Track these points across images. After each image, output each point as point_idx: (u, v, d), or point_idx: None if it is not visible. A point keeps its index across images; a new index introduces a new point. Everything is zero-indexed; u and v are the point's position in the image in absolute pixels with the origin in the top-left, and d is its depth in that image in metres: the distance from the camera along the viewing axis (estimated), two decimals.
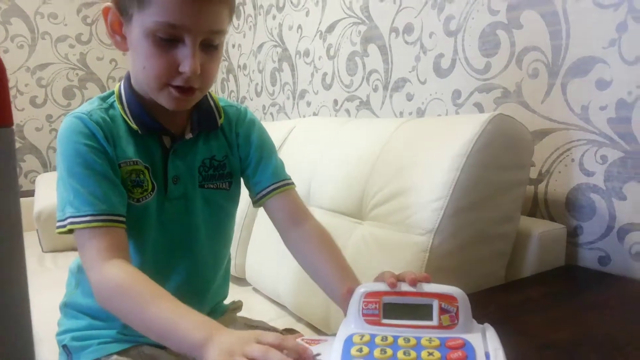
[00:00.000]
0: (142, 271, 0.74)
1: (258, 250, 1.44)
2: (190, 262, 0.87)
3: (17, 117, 2.66)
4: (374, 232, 1.06)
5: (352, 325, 0.60)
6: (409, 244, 0.96)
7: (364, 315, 0.60)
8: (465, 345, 0.55)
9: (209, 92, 0.88)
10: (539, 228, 1.06)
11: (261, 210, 1.45)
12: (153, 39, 0.72)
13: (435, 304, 0.58)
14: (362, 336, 0.58)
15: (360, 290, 0.61)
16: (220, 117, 0.88)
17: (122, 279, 0.69)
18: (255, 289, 1.45)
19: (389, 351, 0.55)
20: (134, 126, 0.79)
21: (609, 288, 0.96)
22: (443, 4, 1.35)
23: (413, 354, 0.54)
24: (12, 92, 2.63)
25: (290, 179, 0.92)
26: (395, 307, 0.59)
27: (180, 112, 0.83)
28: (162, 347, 0.86)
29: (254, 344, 0.56)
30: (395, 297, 0.60)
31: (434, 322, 0.58)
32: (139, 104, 0.81)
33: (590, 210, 1.08)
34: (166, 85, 0.75)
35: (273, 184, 0.89)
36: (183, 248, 0.86)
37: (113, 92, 0.84)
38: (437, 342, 0.55)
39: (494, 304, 0.88)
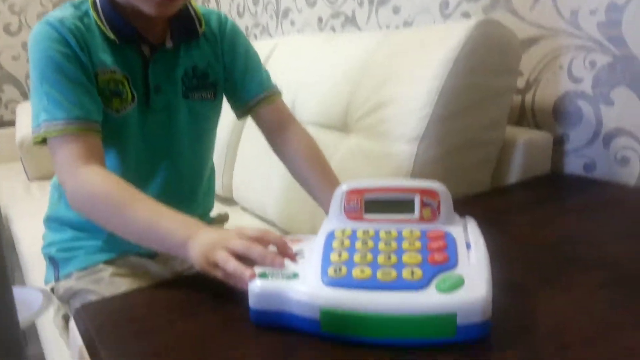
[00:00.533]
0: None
1: (245, 168, 1.43)
2: (172, 171, 0.86)
3: None
4: (360, 144, 1.05)
5: (334, 221, 0.60)
6: (395, 153, 0.95)
7: (345, 212, 0.60)
8: (446, 236, 0.55)
9: (190, 0, 0.84)
10: (524, 136, 1.06)
11: (247, 128, 1.44)
12: None
13: (417, 198, 0.58)
14: (344, 231, 0.58)
15: (342, 187, 0.60)
16: (201, 26, 0.85)
17: (98, 183, 0.68)
18: (243, 208, 1.46)
19: (371, 243, 0.55)
20: (111, 35, 0.76)
21: (592, 193, 0.96)
22: None
23: (394, 244, 0.55)
24: None
25: (276, 87, 0.91)
26: (377, 203, 0.59)
27: (159, 20, 0.79)
28: (148, 256, 0.86)
29: (235, 238, 0.56)
30: (377, 194, 0.59)
31: (416, 215, 0.58)
32: (114, 10, 0.77)
33: (577, 118, 1.08)
34: None
35: (261, 93, 0.89)
36: (165, 158, 0.85)
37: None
38: (418, 233, 0.56)
39: (479, 208, 0.88)
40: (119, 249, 0.84)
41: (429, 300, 0.48)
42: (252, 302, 0.52)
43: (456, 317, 0.47)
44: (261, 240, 0.56)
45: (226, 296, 0.57)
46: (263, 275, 0.53)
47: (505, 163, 1.05)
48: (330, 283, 0.51)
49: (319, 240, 0.57)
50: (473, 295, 0.47)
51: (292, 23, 1.88)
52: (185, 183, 0.89)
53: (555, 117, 1.11)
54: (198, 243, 0.58)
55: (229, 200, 1.49)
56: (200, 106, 0.86)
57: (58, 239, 0.87)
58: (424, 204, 0.57)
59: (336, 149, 1.10)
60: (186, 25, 0.83)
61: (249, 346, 0.51)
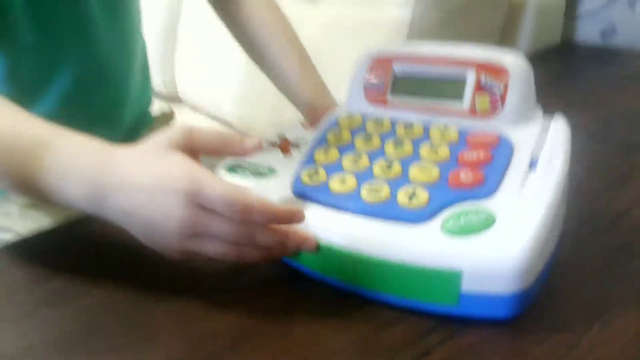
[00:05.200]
0: (22, 89, 0.54)
1: (190, 56, 1.20)
2: (86, 61, 0.62)
3: None
4: (335, 14, 0.85)
5: (350, 104, 0.43)
6: (384, 22, 0.78)
7: (365, 91, 0.42)
8: (498, 144, 0.35)
9: None
10: None
11: (184, 9, 1.18)
12: None
13: (471, 77, 0.38)
14: (352, 118, 0.41)
15: (367, 53, 0.42)
16: None
17: None
18: (191, 107, 1.24)
19: (377, 140, 0.38)
20: None
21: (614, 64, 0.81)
22: None
23: (408, 147, 0.36)
24: None
25: None
26: (410, 81, 0.40)
27: None
28: None
29: (216, 221, 0.33)
30: (411, 66, 0.40)
31: (464, 105, 0.38)
32: None
33: None
34: None
35: None
36: (72, 45, 0.60)
37: None
38: (453, 134, 0.37)
39: None
40: None
41: (421, 242, 0.31)
42: None
43: (460, 277, 0.29)
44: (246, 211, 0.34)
45: None
46: (232, 170, 0.40)
47: (511, 29, 0.88)
48: (298, 192, 0.36)
49: (318, 129, 0.41)
50: (498, 248, 0.29)
51: None
52: (108, 75, 0.66)
53: None
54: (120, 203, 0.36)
55: (174, 98, 1.27)
56: None
57: None
58: (480, 87, 0.37)
59: (302, 24, 0.88)
60: None
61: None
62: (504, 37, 0.88)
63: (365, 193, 0.33)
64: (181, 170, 0.35)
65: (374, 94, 0.41)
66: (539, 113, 0.38)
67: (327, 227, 0.33)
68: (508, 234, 0.29)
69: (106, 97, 0.66)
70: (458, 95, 0.38)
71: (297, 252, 0.34)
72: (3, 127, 0.41)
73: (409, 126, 0.38)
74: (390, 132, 0.38)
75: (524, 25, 0.87)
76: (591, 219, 0.41)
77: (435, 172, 0.34)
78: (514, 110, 0.37)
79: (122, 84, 0.68)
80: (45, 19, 0.58)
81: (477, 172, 0.33)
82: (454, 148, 0.35)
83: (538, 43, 0.88)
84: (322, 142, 0.39)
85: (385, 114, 0.40)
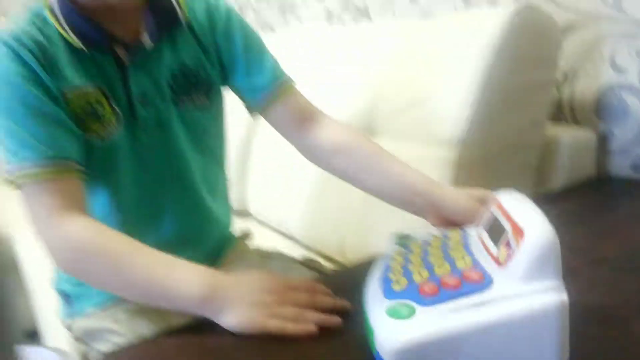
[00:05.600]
0: (128, 222, 0.65)
1: (260, 177, 1.34)
2: (182, 196, 0.76)
3: None
4: (389, 147, 0.95)
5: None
6: (432, 159, 0.86)
7: None
8: (476, 281, 0.42)
9: None
10: (565, 135, 0.97)
11: (259, 131, 1.35)
12: None
13: (508, 230, 0.44)
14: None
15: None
16: (182, 11, 0.71)
17: (85, 238, 0.58)
18: (260, 222, 1.36)
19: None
20: (77, 42, 0.64)
21: None
22: None
23: (432, 255, 0.49)
24: None
25: (288, 77, 0.77)
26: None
27: (130, 14, 0.67)
28: None
29: (284, 304, 0.49)
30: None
31: (494, 251, 0.45)
32: (76, 12, 0.64)
33: (622, 112, 0.98)
34: None
35: (273, 86, 0.75)
36: (171, 182, 0.74)
37: (42, 4, 0.66)
38: (468, 262, 0.45)
39: None
40: None
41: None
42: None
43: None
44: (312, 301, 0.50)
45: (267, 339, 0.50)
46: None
47: (546, 166, 0.97)
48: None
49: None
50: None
51: (299, 18, 1.79)
52: (202, 204, 0.79)
53: (597, 112, 1.02)
54: (232, 310, 0.51)
55: (244, 213, 1.40)
56: (192, 114, 0.74)
57: None
58: (507, 243, 0.43)
59: None
60: (163, 15, 0.69)
61: None
62: (540, 172, 0.96)
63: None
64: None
65: None
66: (550, 283, 0.40)
67: None
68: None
69: (196, 222, 0.79)
70: (497, 240, 0.45)
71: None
72: (161, 277, 0.55)
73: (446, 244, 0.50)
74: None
75: (558, 161, 0.95)
76: (609, 344, 0.47)
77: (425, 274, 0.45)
78: (521, 273, 0.40)
79: (208, 211, 0.81)
80: (145, 159, 0.71)
81: (442, 287, 0.42)
82: (455, 270, 0.44)
83: (572, 178, 0.96)
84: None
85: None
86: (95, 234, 0.59)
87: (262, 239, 1.24)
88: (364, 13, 1.51)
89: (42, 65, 0.61)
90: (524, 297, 0.39)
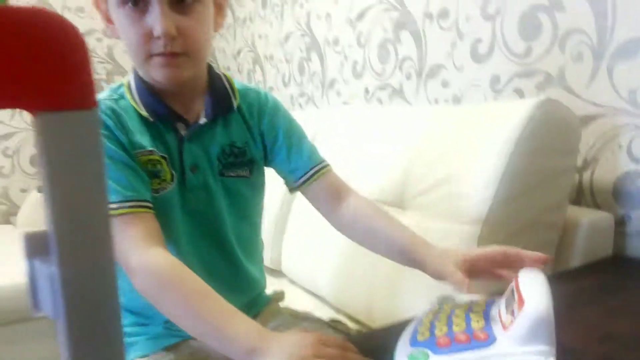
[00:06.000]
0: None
1: (294, 241, 1.43)
2: (220, 251, 0.86)
3: None
4: (418, 222, 1.04)
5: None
6: (457, 234, 0.94)
7: None
8: (481, 339, 0.52)
9: (225, 75, 0.86)
10: (585, 217, 1.03)
11: (295, 200, 1.45)
12: (123, 9, 0.72)
13: (516, 300, 0.54)
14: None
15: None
16: (235, 99, 0.85)
17: (165, 267, 0.68)
18: (292, 281, 1.45)
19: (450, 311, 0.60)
20: (145, 114, 0.78)
21: None
22: None
23: (456, 315, 0.58)
24: None
25: (325, 161, 0.90)
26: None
27: (193, 97, 0.81)
28: None
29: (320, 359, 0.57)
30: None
31: (504, 317, 0.55)
32: (147, 91, 0.79)
33: (639, 198, 1.05)
34: (149, 56, 0.74)
35: (311, 168, 0.87)
36: (211, 237, 0.85)
37: (122, 84, 0.82)
38: (481, 324, 0.55)
39: None
40: (180, 335, 0.84)
41: None
42: None
43: None
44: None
45: None
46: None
47: (566, 244, 1.03)
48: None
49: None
50: None
51: (338, 94, 1.93)
52: (237, 261, 0.89)
53: (616, 197, 1.09)
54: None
55: (277, 273, 1.49)
56: (235, 184, 0.86)
57: None
58: (512, 311, 0.54)
59: None
60: (220, 100, 0.84)
61: None
62: (560, 251, 1.02)
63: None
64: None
65: None
66: (542, 348, 0.49)
67: None
68: None
69: (233, 276, 0.88)
70: (509, 308, 0.55)
71: None
72: (224, 323, 0.65)
73: (469, 309, 0.59)
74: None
75: (577, 241, 1.01)
76: None
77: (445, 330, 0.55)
78: (514, 335, 0.51)
79: (243, 269, 0.90)
80: (189, 214, 0.82)
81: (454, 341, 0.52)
82: (468, 329, 0.54)
83: (590, 257, 1.01)
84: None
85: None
86: (172, 265, 0.69)
87: (294, 298, 1.31)
88: (399, 93, 1.63)
89: (117, 127, 0.75)
90: (517, 356, 0.48)
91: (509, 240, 0.94)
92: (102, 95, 0.79)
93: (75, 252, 0.27)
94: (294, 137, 0.89)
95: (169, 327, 0.84)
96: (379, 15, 1.68)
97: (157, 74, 0.75)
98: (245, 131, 0.86)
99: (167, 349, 0.83)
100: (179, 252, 0.81)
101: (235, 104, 0.85)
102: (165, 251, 0.71)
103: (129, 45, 0.75)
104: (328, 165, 0.90)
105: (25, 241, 0.33)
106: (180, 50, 0.73)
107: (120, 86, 0.82)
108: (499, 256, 0.64)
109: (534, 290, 0.53)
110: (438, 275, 0.68)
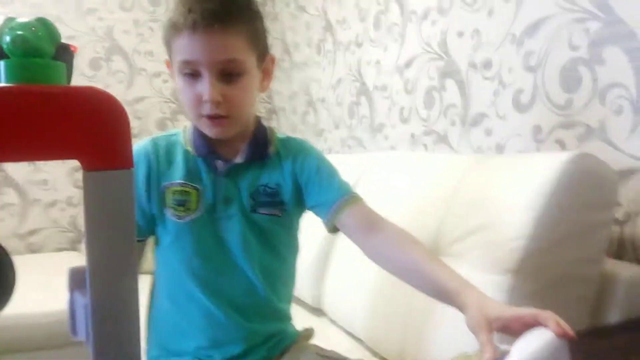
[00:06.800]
0: (192, 283, 0.89)
1: (335, 280, 1.47)
2: (241, 279, 0.92)
3: None
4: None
5: None
6: (488, 284, 0.94)
7: None
8: None
9: (269, 128, 0.96)
10: (625, 271, 1.02)
11: (337, 242, 1.49)
12: (182, 76, 0.85)
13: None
14: None
15: None
16: (270, 147, 0.95)
17: None
18: (331, 320, 1.48)
19: None
20: (190, 149, 0.91)
21: None
22: (522, 39, 1.35)
23: None
24: None
25: (356, 193, 0.93)
26: None
27: (237, 144, 0.92)
28: None
29: None
30: None
31: None
32: (199, 133, 0.92)
33: None
34: (200, 116, 0.86)
35: (341, 197, 0.90)
36: (234, 265, 0.91)
37: (185, 126, 0.96)
38: None
39: (575, 349, 0.85)
40: None
41: None
42: None
43: None
44: None
45: None
46: None
47: (604, 300, 1.01)
48: None
49: None
50: None
51: (386, 138, 1.98)
52: (256, 293, 0.93)
53: None
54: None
55: (318, 311, 1.52)
56: (265, 221, 0.93)
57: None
58: None
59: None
60: (257, 146, 0.94)
61: None
62: (597, 306, 1.00)
63: None
64: None
65: None
66: None
67: None
68: None
69: (253, 303, 0.94)
70: None
71: None
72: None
73: None
74: None
75: (616, 295, 0.99)
76: None
77: None
78: None
79: (264, 297, 0.95)
80: (215, 241, 0.92)
81: None
82: None
83: (629, 313, 0.98)
84: None
85: None
86: None
87: (330, 337, 1.34)
88: (444, 139, 1.66)
89: (159, 162, 0.90)
90: None
91: (540, 292, 0.95)
92: (165, 134, 0.95)
93: (104, 286, 0.33)
94: (324, 173, 0.94)
95: (196, 357, 0.89)
96: (426, 64, 1.73)
97: (206, 130, 0.89)
98: (278, 175, 0.94)
99: None
100: (193, 277, 0.91)
101: (269, 152, 0.94)
102: None
103: (185, 104, 0.89)
104: (358, 195, 0.92)
105: (69, 275, 0.40)
106: (225, 114, 0.86)
107: (182, 129, 0.96)
108: (530, 320, 0.65)
109: (525, 349, 0.56)
110: (471, 327, 0.69)
